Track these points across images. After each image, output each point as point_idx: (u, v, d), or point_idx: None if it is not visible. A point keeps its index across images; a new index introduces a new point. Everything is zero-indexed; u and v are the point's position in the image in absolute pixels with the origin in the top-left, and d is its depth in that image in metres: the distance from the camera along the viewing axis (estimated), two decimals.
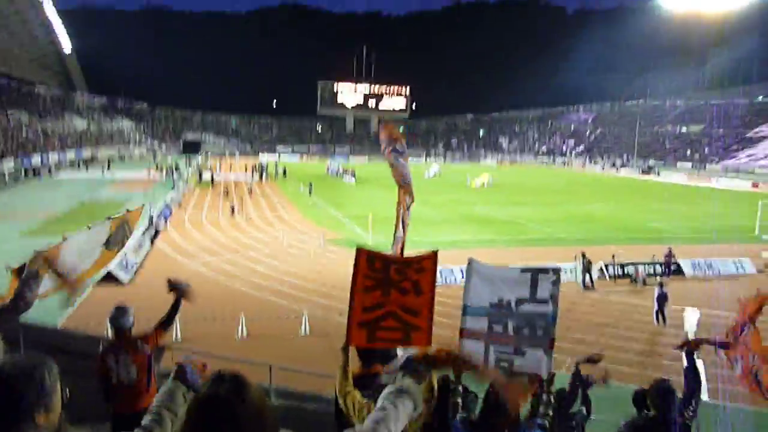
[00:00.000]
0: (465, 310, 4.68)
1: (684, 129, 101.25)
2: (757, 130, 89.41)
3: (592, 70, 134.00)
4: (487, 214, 39.50)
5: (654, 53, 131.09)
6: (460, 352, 4.50)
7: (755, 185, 66.43)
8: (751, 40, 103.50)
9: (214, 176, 57.80)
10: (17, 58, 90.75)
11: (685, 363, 4.78)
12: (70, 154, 71.32)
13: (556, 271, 4.59)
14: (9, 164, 54.08)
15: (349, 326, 4.13)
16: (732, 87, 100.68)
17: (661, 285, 18.71)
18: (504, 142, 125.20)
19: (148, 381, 5.26)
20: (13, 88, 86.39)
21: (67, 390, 2.17)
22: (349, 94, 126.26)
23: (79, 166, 70.31)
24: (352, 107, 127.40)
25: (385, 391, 2.17)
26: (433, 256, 4.45)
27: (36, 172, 58.31)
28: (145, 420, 2.21)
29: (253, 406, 1.74)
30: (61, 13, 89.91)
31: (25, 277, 3.85)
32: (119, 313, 5.28)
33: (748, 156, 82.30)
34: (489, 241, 29.87)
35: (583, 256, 21.99)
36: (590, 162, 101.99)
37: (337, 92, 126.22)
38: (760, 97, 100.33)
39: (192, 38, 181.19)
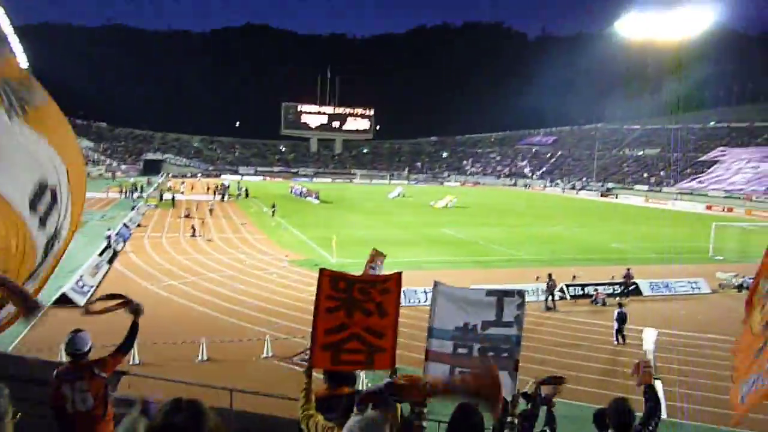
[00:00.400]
0: (431, 333, 4.67)
1: (641, 152, 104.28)
2: (710, 154, 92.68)
3: (552, 95, 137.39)
4: (451, 235, 39.77)
5: (612, 79, 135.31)
6: (424, 376, 4.50)
7: (709, 207, 68.71)
8: (704, 68, 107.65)
9: (175, 197, 56.92)
10: None
11: (659, 384, 4.84)
12: None
13: (521, 294, 4.64)
14: None
15: (312, 349, 4.08)
16: (686, 112, 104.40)
17: (620, 305, 19.07)
18: (467, 164, 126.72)
19: (104, 409, 5.07)
20: None
21: (18, 414, 2.11)
22: (313, 115, 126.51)
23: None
24: (316, 128, 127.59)
25: (351, 422, 2.11)
26: (397, 277, 4.45)
27: None
28: None
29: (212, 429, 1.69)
30: (17, 29, 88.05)
31: None
32: (75, 338, 5.10)
33: (702, 179, 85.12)
34: (453, 262, 30.05)
35: (550, 277, 22.25)
36: (551, 184, 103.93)
37: (300, 113, 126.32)
38: (713, 123, 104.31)
39: (154, 57, 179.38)
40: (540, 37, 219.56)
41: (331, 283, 4.33)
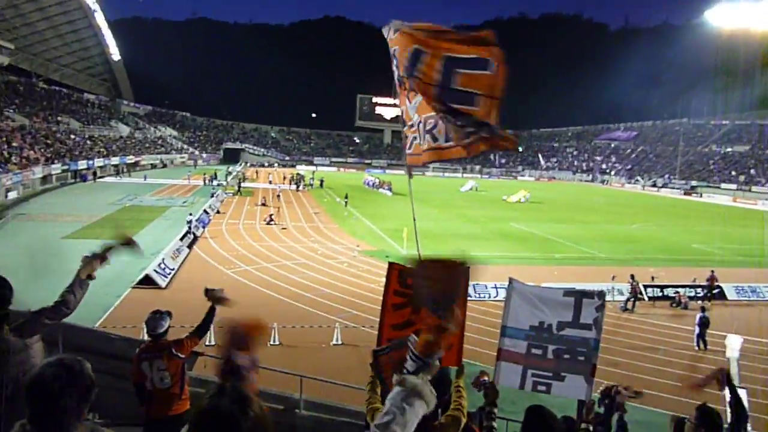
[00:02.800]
0: (504, 331, 4.56)
1: (729, 149, 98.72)
2: None
3: (634, 88, 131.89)
4: (523, 230, 39.04)
5: (699, 72, 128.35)
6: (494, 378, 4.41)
7: None
8: None
9: (252, 185, 58.50)
10: (68, 67, 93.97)
11: (728, 395, 4.57)
12: (115, 160, 73.19)
13: (601, 296, 4.46)
14: (57, 168, 55.78)
15: (378, 343, 4.08)
16: None
17: (703, 309, 18.18)
18: (542, 158, 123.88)
19: (181, 387, 5.28)
20: (64, 95, 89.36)
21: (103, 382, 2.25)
22: (388, 107, 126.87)
23: (122, 171, 72.15)
24: (390, 120, 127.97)
25: (392, 392, 2.02)
26: (465, 272, 4.37)
27: (81, 177, 59.96)
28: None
29: (256, 421, 1.70)
30: (111, 23, 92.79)
31: (72, 282, 3.91)
32: (155, 318, 5.32)
33: None
34: (524, 258, 29.48)
35: (633, 278, 21.50)
36: (630, 181, 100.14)
37: (375, 105, 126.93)
38: None
39: (235, 49, 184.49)
40: (622, 29, 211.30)
41: (400, 278, 4.32)
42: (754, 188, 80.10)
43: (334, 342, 16.06)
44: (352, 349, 15.59)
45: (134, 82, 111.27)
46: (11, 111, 64.38)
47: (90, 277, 3.92)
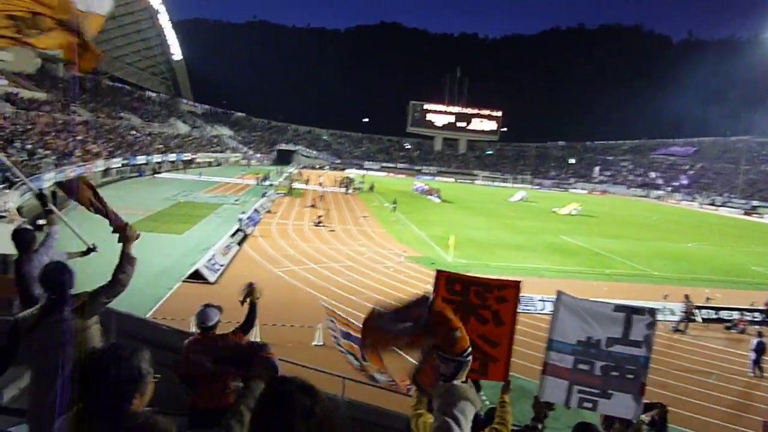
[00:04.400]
0: (550, 345, 4.48)
1: None
2: None
3: (695, 102, 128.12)
4: (573, 243, 38.30)
5: (765, 88, 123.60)
6: (539, 392, 4.34)
7: None
8: None
9: (304, 186, 59.23)
10: (132, 65, 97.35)
11: None
12: (172, 157, 75.33)
13: (653, 313, 4.34)
14: (117, 162, 57.81)
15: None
16: None
17: (760, 334, 17.45)
18: (595, 171, 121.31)
19: (226, 380, 5.38)
20: (127, 92, 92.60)
21: (157, 376, 2.29)
22: (439, 114, 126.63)
23: (178, 168, 74.22)
24: (441, 127, 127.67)
25: (441, 401, 1.98)
26: (515, 286, 4.33)
27: (140, 171, 61.97)
28: (227, 418, 2.26)
29: (325, 408, 1.71)
30: (174, 23, 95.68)
31: (121, 260, 4.08)
32: (206, 311, 5.45)
33: None
34: (573, 272, 28.92)
35: (687, 298, 20.82)
36: (687, 198, 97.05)
37: (427, 112, 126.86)
38: None
39: (292, 52, 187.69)
40: (685, 41, 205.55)
41: (447, 284, 4.31)
42: None
43: None
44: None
45: (194, 81, 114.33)
46: (77, 106, 67.04)
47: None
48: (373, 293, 21.69)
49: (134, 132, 73.93)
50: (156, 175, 62.45)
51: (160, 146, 75.34)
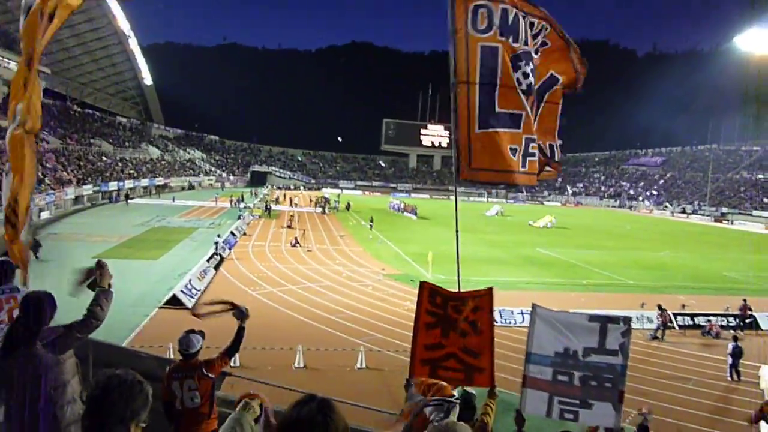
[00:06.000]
0: (528, 358, 4.53)
1: (760, 176, 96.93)
2: None
3: (662, 114, 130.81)
4: (550, 256, 38.68)
5: (728, 98, 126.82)
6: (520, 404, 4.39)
7: None
8: None
9: (278, 208, 59.01)
10: (102, 91, 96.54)
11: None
12: (144, 182, 74.59)
13: (627, 321, 4.42)
14: (88, 189, 57.02)
15: (412, 362, 4.10)
16: None
17: (735, 338, 17.77)
18: (568, 184, 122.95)
19: (210, 408, 5.33)
20: (97, 118, 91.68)
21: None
22: (413, 132, 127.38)
23: (151, 193, 73.45)
24: (416, 144, 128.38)
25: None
26: (488, 294, 4.40)
27: (112, 198, 61.19)
28: None
29: (339, 429, 1.74)
30: (144, 48, 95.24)
31: (97, 294, 4.02)
32: (189, 338, 5.40)
33: None
34: (550, 283, 29.19)
35: (660, 308, 21.11)
36: (659, 207, 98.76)
37: (400, 129, 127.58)
38: None
39: (264, 74, 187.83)
40: (650, 54, 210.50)
41: (430, 296, 4.36)
42: None
43: (359, 365, 16.01)
44: (377, 372, 15.54)
45: (165, 105, 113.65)
46: (46, 133, 66.09)
47: (109, 285, 4.05)
48: (353, 312, 21.63)
49: (105, 158, 73.12)
50: (129, 201, 61.74)
51: (132, 171, 74.58)
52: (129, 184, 68.79)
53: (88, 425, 2.14)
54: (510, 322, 19.52)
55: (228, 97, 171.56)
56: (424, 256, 30.83)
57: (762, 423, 10.09)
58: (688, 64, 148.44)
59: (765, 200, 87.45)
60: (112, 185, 63.55)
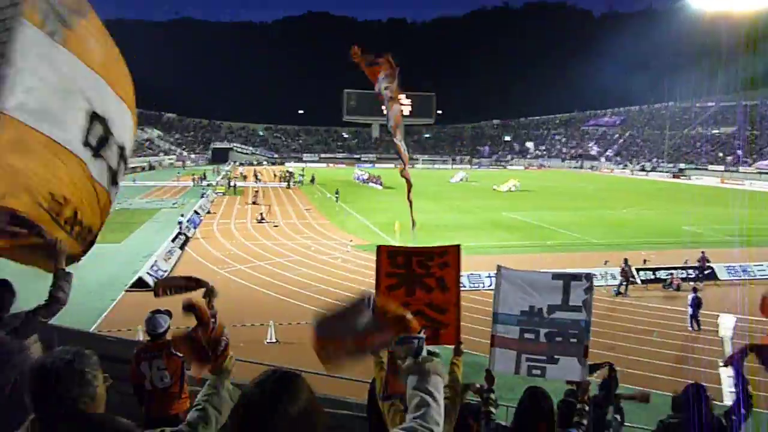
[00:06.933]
0: (495, 318, 4.60)
1: (715, 131, 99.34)
2: None
3: (619, 73, 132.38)
4: (515, 219, 39.19)
5: (682, 55, 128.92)
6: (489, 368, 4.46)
7: None
8: None
9: (242, 184, 58.34)
10: None
11: (729, 371, 4.67)
12: None
13: (589, 278, 4.50)
14: None
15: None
16: (764, 87, 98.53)
17: (695, 290, 18.36)
18: (531, 147, 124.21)
19: (181, 386, 5.30)
20: None
21: (108, 378, 2.24)
22: (375, 101, 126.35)
23: None
24: (378, 114, 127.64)
25: (412, 381, 1.94)
26: (455, 250, 4.40)
27: None
28: (191, 416, 2.23)
29: (303, 406, 1.63)
30: None
31: (56, 277, 3.91)
32: (155, 318, 5.33)
33: None
34: (518, 246, 29.63)
35: (626, 262, 21.65)
36: (619, 166, 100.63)
37: (362, 100, 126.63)
38: None
39: (220, 48, 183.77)
40: (606, 14, 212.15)
41: (390, 258, 4.35)
42: (741, 169, 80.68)
43: None
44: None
45: None
46: None
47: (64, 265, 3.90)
48: (323, 285, 21.64)
49: None
50: None
51: None
52: None
53: (33, 416, 2.09)
54: (478, 286, 19.82)
55: (184, 73, 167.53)
56: (391, 226, 30.90)
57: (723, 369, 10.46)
58: (643, 23, 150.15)
59: (720, 155, 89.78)
60: None
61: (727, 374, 10.29)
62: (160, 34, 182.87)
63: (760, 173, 76.21)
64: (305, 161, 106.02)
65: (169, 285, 4.81)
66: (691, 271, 23.18)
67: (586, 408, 4.15)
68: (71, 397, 2.08)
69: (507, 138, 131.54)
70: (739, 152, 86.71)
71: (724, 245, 29.16)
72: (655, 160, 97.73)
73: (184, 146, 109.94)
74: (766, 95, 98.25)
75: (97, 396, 2.18)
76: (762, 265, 24.20)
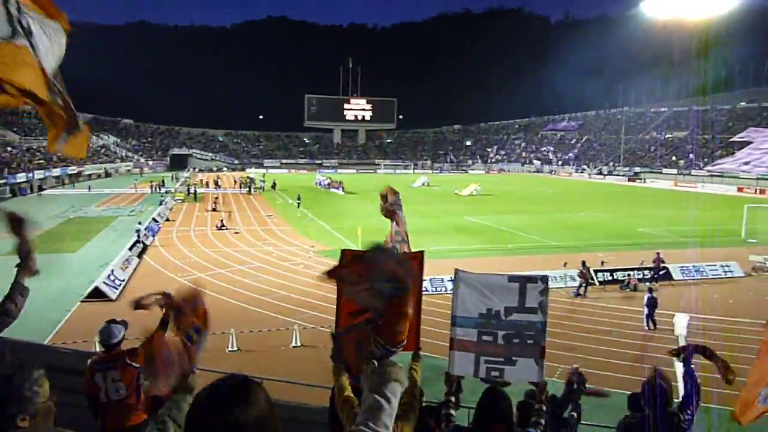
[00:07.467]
0: (454, 321, 4.63)
1: (669, 135, 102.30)
2: (740, 135, 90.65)
3: (576, 79, 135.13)
4: (477, 223, 39.59)
5: (637, 61, 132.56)
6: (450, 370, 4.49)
7: (740, 189, 67.36)
8: (732, 47, 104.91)
9: (203, 191, 57.52)
10: None
11: (681, 367, 4.79)
12: (56, 171, 70.83)
13: (544, 279, 4.56)
14: None
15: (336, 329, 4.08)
16: (715, 93, 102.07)
17: (650, 290, 18.83)
18: (491, 151, 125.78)
19: (137, 397, 5.17)
20: None
21: (55, 396, 2.18)
22: (336, 106, 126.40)
23: (64, 183, 69.91)
24: (339, 119, 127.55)
25: (371, 381, 1.98)
26: (419, 257, 4.43)
27: (21, 190, 57.83)
28: (149, 429, 2.18)
29: (258, 413, 1.59)
30: None
31: (11, 289, 3.78)
32: (109, 328, 5.21)
33: (733, 160, 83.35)
34: (479, 250, 29.93)
35: (584, 264, 22.05)
36: (577, 170, 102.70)
37: (323, 105, 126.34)
38: (743, 103, 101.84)
39: (178, 53, 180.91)
40: (563, 21, 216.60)
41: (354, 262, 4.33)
42: (693, 172, 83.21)
43: (294, 344, 15.97)
44: (312, 350, 15.55)
45: (73, 89, 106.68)
46: None
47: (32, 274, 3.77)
48: (285, 292, 21.48)
49: (10, 149, 68.87)
50: (41, 193, 58.57)
51: (42, 161, 70.62)
52: (39, 174, 65.17)
53: None
54: (440, 290, 19.96)
55: (141, 78, 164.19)
56: (353, 231, 30.88)
57: (676, 362, 10.71)
58: (599, 30, 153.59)
59: (673, 158, 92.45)
60: (21, 177, 60.01)
61: (680, 370, 10.55)
62: (115, 38, 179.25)
63: (712, 176, 78.78)
64: (266, 167, 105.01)
65: (148, 301, 4.72)
66: (646, 272, 23.78)
67: (544, 408, 4.21)
68: (10, 414, 2.02)
69: (468, 143, 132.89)
70: (692, 156, 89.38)
71: (678, 246, 30.02)
72: (611, 163, 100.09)
73: (141, 153, 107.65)
74: (717, 101, 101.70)
75: (41, 412, 2.11)
76: (714, 265, 25.00)
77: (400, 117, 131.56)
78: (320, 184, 70.81)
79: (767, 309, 19.55)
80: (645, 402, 4.56)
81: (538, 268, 23.15)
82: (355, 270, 2.54)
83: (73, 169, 75.39)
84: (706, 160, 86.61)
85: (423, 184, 72.04)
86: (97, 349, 6.27)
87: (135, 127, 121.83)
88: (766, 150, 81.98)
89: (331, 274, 2.83)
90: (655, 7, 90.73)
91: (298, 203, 47.91)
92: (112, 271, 22.54)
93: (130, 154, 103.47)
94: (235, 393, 1.61)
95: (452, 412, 4.14)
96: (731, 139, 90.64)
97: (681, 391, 4.73)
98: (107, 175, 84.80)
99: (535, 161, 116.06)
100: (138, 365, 5.16)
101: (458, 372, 4.54)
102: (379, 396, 1.91)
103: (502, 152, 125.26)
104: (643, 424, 4.34)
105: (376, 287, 2.32)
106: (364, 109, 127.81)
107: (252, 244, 31.62)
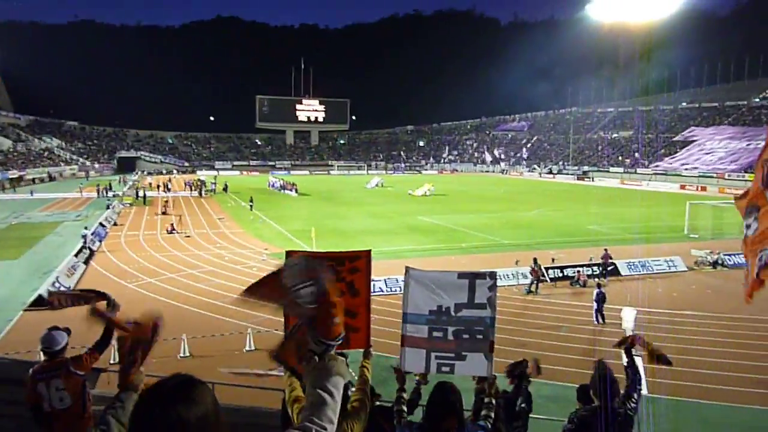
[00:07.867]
0: (405, 318, 4.67)
1: (615, 135, 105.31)
2: (683, 134, 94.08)
3: (526, 80, 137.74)
4: (431, 222, 39.87)
5: (584, 63, 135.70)
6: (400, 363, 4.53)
7: (683, 186, 69.91)
8: (675, 49, 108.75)
9: (151, 194, 56.23)
10: None
11: (624, 359, 4.94)
12: None
13: (492, 276, 4.64)
14: None
15: (286, 332, 4.06)
16: (658, 93, 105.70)
17: (599, 286, 19.31)
18: (444, 152, 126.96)
19: (83, 405, 5.01)
20: None
21: None
22: (288, 107, 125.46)
23: (5, 187, 67.33)
24: (291, 120, 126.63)
25: (312, 378, 1.98)
26: (366, 255, 4.45)
27: None
28: (93, 430, 2.13)
29: (201, 412, 1.57)
30: None
31: None
32: (51, 334, 5.04)
33: (675, 159, 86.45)
34: (433, 249, 30.14)
35: (535, 261, 22.44)
36: (528, 169, 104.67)
37: (275, 106, 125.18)
38: (684, 103, 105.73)
39: (124, 53, 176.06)
40: (512, 23, 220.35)
41: None
42: (639, 170, 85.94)
43: (247, 348, 15.77)
44: (266, 354, 15.36)
45: (13, 91, 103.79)
46: None
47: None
48: (238, 295, 21.16)
49: None
50: None
51: None
52: None
53: None
54: (395, 290, 19.96)
55: (86, 79, 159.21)
56: (307, 233, 30.72)
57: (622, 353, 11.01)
58: (547, 32, 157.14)
59: (620, 157, 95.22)
60: None
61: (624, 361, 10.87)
62: (58, 38, 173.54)
63: (656, 174, 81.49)
64: (217, 169, 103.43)
65: (64, 295, 4.55)
66: (595, 268, 24.37)
67: (493, 401, 4.28)
68: None
69: (421, 143, 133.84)
70: (637, 155, 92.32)
71: (626, 242, 30.93)
72: (561, 163, 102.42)
73: (87, 156, 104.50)
74: (660, 101, 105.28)
75: None
76: (659, 260, 25.81)
77: (353, 118, 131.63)
78: (273, 186, 70.14)
79: (708, 301, 20.34)
80: (595, 393, 4.68)
81: (491, 266, 23.44)
82: (273, 290, 2.54)
83: (14, 174, 72.70)
84: (650, 159, 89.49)
85: (377, 185, 72.19)
86: (42, 358, 6.06)
87: (80, 130, 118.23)
88: (707, 149, 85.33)
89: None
90: (600, 10, 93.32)
91: (251, 205, 47.33)
92: (57, 278, 21.83)
93: (75, 157, 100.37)
94: (179, 391, 1.58)
95: (404, 408, 4.17)
96: (674, 139, 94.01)
97: (625, 381, 4.88)
98: (51, 179, 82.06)
99: (486, 155, 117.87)
100: (83, 373, 5.01)
101: (409, 368, 4.58)
102: (321, 390, 1.92)
103: (455, 152, 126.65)
104: (595, 416, 4.45)
105: (297, 295, 2.32)
106: (316, 110, 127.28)
107: (203, 247, 31.08)
